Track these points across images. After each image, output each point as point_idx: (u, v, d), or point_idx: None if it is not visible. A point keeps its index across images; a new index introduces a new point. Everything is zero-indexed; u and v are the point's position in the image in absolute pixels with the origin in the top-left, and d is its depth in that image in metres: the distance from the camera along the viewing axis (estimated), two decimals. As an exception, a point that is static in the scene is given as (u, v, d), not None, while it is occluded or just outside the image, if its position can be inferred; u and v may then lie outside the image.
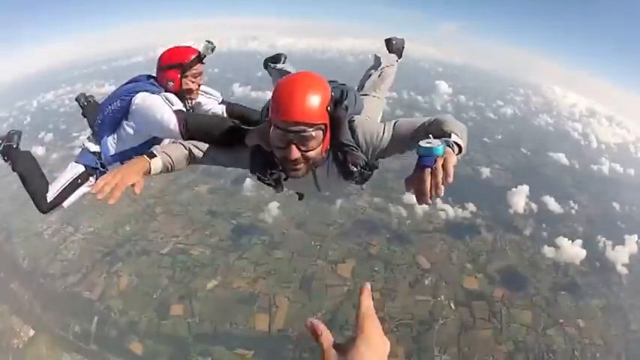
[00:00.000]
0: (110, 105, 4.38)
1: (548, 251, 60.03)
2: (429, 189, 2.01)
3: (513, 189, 74.72)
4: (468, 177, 79.00)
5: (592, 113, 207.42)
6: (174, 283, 45.85)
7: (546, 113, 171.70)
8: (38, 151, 68.40)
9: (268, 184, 3.32)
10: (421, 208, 60.39)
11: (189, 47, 4.56)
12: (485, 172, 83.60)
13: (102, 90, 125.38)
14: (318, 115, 2.61)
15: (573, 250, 61.10)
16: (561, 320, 47.53)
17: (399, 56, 5.55)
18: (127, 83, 4.53)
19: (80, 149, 4.99)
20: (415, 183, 2.07)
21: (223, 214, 56.82)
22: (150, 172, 3.07)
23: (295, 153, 2.68)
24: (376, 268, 50.21)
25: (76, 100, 5.51)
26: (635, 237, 67.54)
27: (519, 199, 72.46)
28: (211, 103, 5.11)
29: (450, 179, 2.01)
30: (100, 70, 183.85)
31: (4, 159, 5.04)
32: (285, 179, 3.26)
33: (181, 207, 57.06)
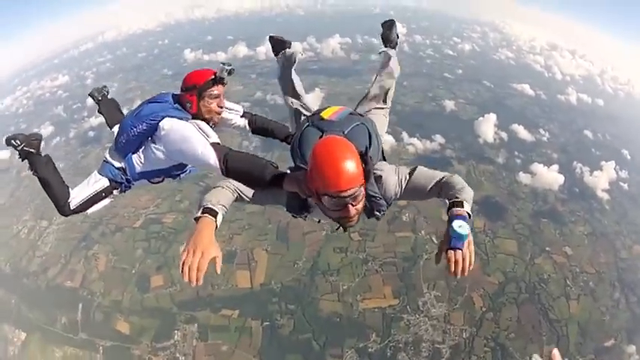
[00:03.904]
0: (135, 127, 4.48)
1: (524, 178, 60.29)
2: (460, 270, 2.69)
3: (480, 118, 74.48)
4: (432, 112, 79.02)
5: (553, 47, 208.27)
6: (151, 255, 45.77)
7: (506, 48, 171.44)
8: (2, 154, 66.82)
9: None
10: (388, 145, 59.84)
11: (206, 70, 4.55)
12: (450, 105, 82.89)
13: (55, 82, 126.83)
14: (360, 177, 2.90)
15: (550, 176, 61.43)
16: (548, 248, 47.65)
17: (394, 46, 5.59)
18: (150, 101, 4.63)
19: (102, 161, 5.06)
20: (450, 262, 2.70)
21: (190, 178, 54.12)
22: (217, 229, 3.24)
23: (353, 211, 3.00)
24: (351, 209, 48.88)
25: (90, 95, 5.95)
26: (612, 163, 68.00)
27: (488, 128, 72.19)
28: (233, 117, 5.25)
29: (471, 267, 2.73)
30: (52, 64, 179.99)
31: (22, 160, 4.99)
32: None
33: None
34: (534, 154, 67.95)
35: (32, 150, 4.91)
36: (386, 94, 5.09)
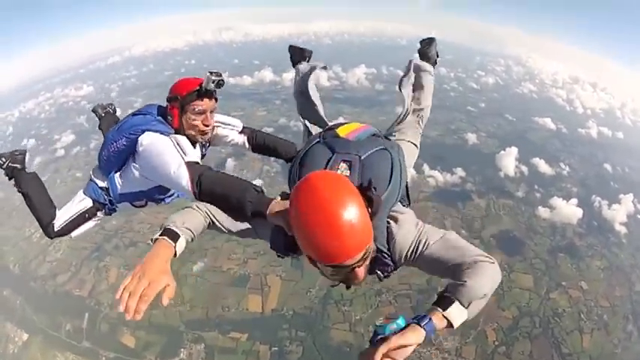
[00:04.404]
0: (115, 142, 4.10)
1: (543, 212, 59.53)
2: None
3: (502, 152, 74.10)
4: (454, 145, 78.83)
5: (575, 80, 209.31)
6: None
7: (529, 81, 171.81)
8: (22, 157, 71.69)
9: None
10: (409, 177, 58.92)
11: (193, 79, 3.98)
12: (472, 138, 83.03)
13: (80, 92, 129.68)
14: (369, 233, 2.17)
15: (569, 210, 60.68)
16: (564, 283, 46.97)
17: (433, 64, 5.03)
18: (135, 114, 4.19)
19: (89, 180, 4.74)
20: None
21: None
22: (176, 256, 2.67)
23: (362, 274, 2.38)
24: (369, 241, 49.37)
25: (93, 111, 5.68)
26: (630, 196, 66.86)
27: (509, 161, 71.80)
28: (230, 133, 4.73)
29: None
30: (78, 73, 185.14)
31: (9, 178, 4.88)
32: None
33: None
34: (554, 188, 67.42)
35: (17, 165, 4.79)
36: (420, 112, 4.45)
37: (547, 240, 54.31)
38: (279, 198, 2.99)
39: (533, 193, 65.23)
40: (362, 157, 2.87)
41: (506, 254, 49.13)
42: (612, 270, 50.86)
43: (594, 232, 58.25)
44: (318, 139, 3.20)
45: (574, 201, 62.53)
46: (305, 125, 4.29)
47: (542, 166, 74.38)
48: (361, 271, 2.31)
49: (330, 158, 2.90)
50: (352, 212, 2.02)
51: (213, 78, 3.80)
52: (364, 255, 2.17)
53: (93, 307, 42.06)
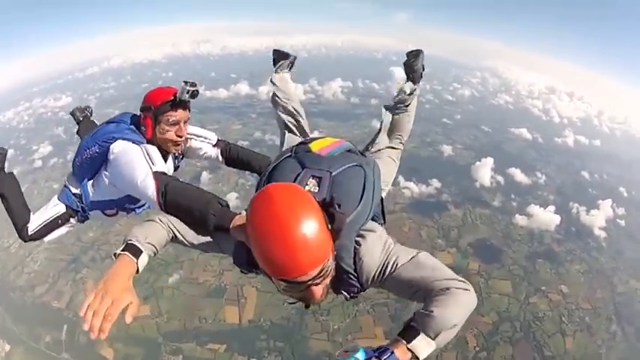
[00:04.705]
0: (89, 149, 4.02)
1: (520, 220, 59.93)
2: None
3: (477, 163, 74.40)
4: (429, 157, 78.88)
5: (552, 90, 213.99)
6: (139, 284, 44.52)
7: (505, 93, 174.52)
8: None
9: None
10: (387, 191, 59.51)
11: (167, 88, 3.91)
12: (447, 150, 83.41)
13: (58, 103, 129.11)
14: (327, 248, 2.01)
15: (546, 217, 61.12)
16: (543, 287, 47.31)
17: (418, 81, 4.68)
18: (109, 121, 4.13)
19: (63, 186, 4.69)
20: None
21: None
22: (138, 272, 2.58)
23: (319, 293, 2.16)
24: (345, 251, 49.52)
25: (71, 114, 5.65)
26: (609, 202, 67.84)
27: (484, 172, 72.09)
28: (204, 146, 4.63)
29: None
30: (56, 84, 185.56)
31: None
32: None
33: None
34: (531, 197, 67.88)
35: None
36: (401, 131, 4.25)
37: (525, 247, 54.70)
38: (244, 213, 2.73)
39: (510, 202, 65.61)
40: (333, 173, 2.71)
41: (484, 262, 49.48)
42: (593, 273, 51.34)
43: (573, 237, 58.81)
44: (289, 154, 3.03)
45: (551, 208, 63.15)
46: (282, 135, 4.40)
47: (519, 176, 74.95)
48: (318, 290, 2.13)
49: (299, 173, 2.74)
50: (308, 226, 1.90)
51: (188, 88, 3.73)
52: (320, 273, 2.01)
53: (71, 319, 41.47)
